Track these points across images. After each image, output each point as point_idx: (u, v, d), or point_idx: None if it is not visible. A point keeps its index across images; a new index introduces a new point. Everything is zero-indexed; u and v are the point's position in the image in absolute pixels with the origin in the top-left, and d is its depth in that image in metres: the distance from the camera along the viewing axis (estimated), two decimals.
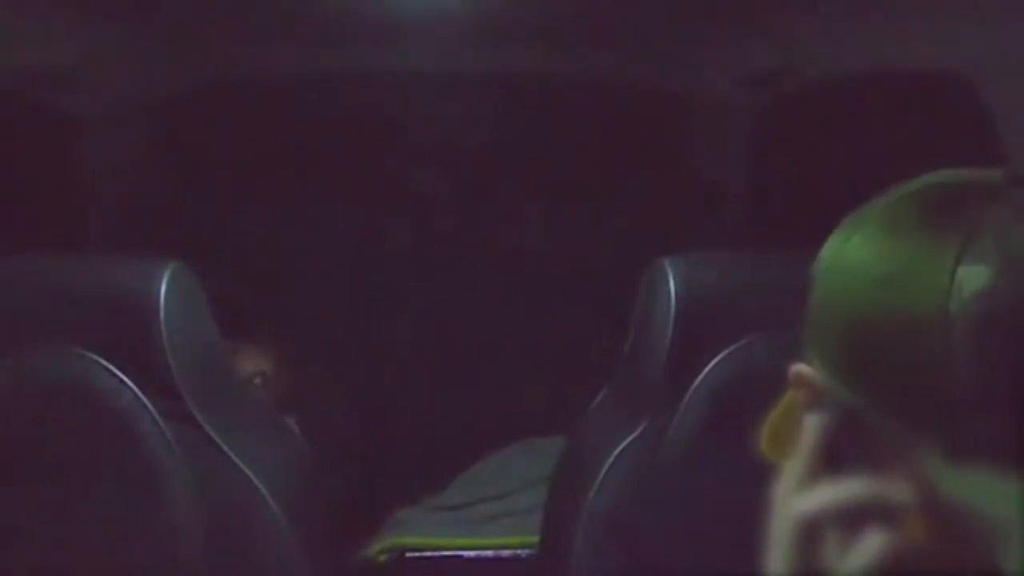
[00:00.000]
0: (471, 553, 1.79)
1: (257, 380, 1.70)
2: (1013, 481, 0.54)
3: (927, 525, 0.57)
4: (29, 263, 1.10)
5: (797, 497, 0.61)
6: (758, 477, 0.72)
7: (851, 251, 0.61)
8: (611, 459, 1.10)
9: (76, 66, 1.65)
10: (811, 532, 0.60)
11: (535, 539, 1.39)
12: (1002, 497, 0.55)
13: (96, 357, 1.01)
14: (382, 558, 1.79)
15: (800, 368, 0.64)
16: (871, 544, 0.58)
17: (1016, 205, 0.57)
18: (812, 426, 0.63)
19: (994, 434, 0.54)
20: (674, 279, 1.06)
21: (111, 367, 1.00)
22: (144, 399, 1.01)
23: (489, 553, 1.78)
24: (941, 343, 0.55)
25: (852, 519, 0.58)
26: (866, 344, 0.59)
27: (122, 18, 1.57)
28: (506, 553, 1.77)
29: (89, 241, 1.89)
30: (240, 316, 1.72)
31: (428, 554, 1.79)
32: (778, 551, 0.61)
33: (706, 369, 1.05)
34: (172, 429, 1.02)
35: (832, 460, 0.62)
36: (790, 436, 0.65)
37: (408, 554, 1.79)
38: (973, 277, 0.55)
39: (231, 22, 1.65)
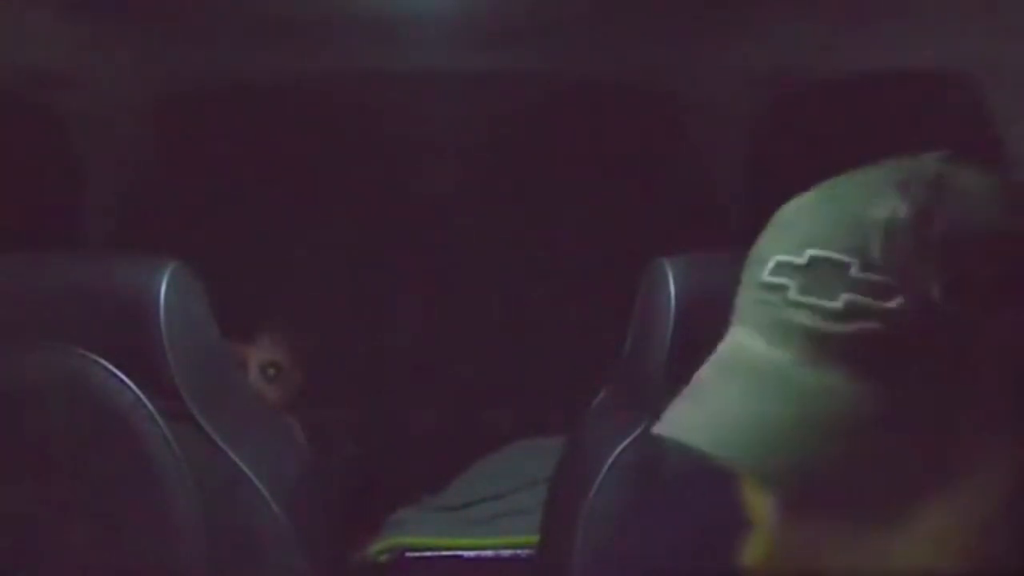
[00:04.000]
0: (471, 553, 1.79)
1: (271, 371, 1.69)
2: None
3: None
4: (29, 262, 1.10)
5: None
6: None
7: None
8: (611, 459, 1.10)
9: (76, 66, 1.65)
10: None
11: (535, 539, 1.39)
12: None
13: (96, 357, 1.01)
14: (382, 558, 1.79)
15: None
16: None
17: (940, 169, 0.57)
18: None
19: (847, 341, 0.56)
20: (674, 279, 1.06)
21: (111, 367, 1.00)
22: (144, 399, 1.01)
23: (489, 553, 1.78)
24: None
25: None
26: None
27: (122, 18, 1.57)
28: (506, 553, 1.77)
29: (89, 241, 1.89)
30: (252, 310, 1.72)
31: (428, 554, 1.79)
32: None
33: None
34: (172, 429, 1.02)
35: None
36: None
37: (408, 554, 1.79)
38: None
39: (231, 22, 1.65)
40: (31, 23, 1.47)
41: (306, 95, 2.09)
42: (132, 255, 1.12)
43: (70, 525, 1.02)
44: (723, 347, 0.62)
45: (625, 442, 1.10)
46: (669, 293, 1.06)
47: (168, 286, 1.03)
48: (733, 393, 0.58)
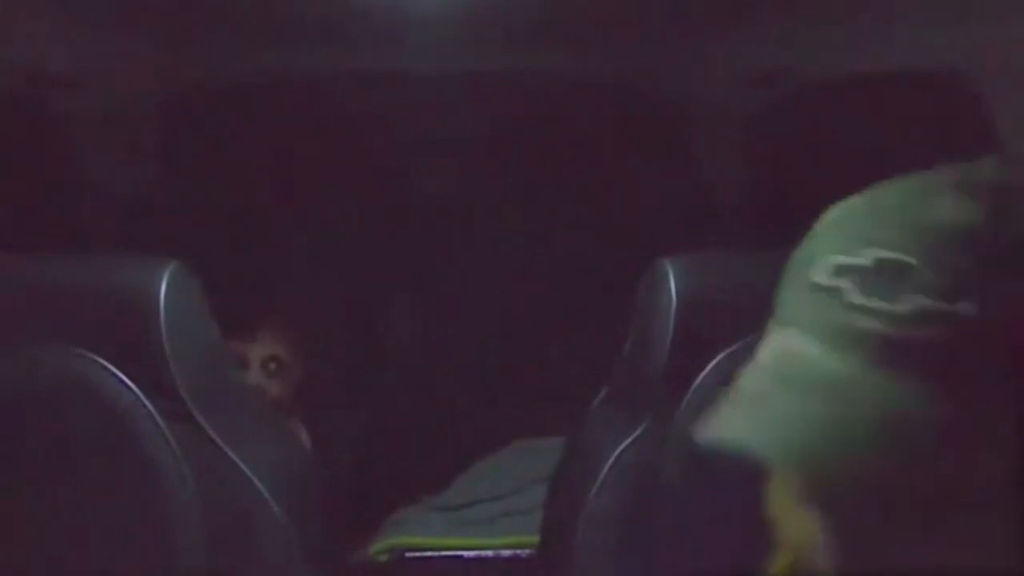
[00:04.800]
0: (471, 553, 1.79)
1: (272, 366, 1.69)
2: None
3: None
4: (29, 263, 1.10)
5: None
6: (757, 477, 0.72)
7: None
8: (611, 459, 1.10)
9: (76, 66, 1.65)
10: None
11: (535, 539, 1.39)
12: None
13: (96, 357, 1.01)
14: (382, 558, 1.79)
15: None
16: None
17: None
18: None
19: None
20: (674, 279, 1.06)
21: (111, 367, 1.00)
22: (144, 399, 1.01)
23: (489, 553, 1.78)
24: None
25: None
26: None
27: (122, 19, 1.57)
28: (506, 553, 1.77)
29: (89, 241, 1.89)
30: (253, 305, 1.72)
31: (428, 554, 1.79)
32: None
33: (706, 369, 1.05)
34: (172, 429, 1.02)
35: None
36: None
37: (408, 554, 1.79)
38: None
39: (231, 22, 1.65)
40: (31, 24, 1.47)
41: (306, 95, 2.09)
42: (132, 255, 1.12)
43: (70, 525, 1.02)
44: (771, 351, 0.59)
45: (625, 442, 1.10)
46: (669, 293, 1.06)
47: (168, 286, 1.03)
48: (795, 400, 0.55)
